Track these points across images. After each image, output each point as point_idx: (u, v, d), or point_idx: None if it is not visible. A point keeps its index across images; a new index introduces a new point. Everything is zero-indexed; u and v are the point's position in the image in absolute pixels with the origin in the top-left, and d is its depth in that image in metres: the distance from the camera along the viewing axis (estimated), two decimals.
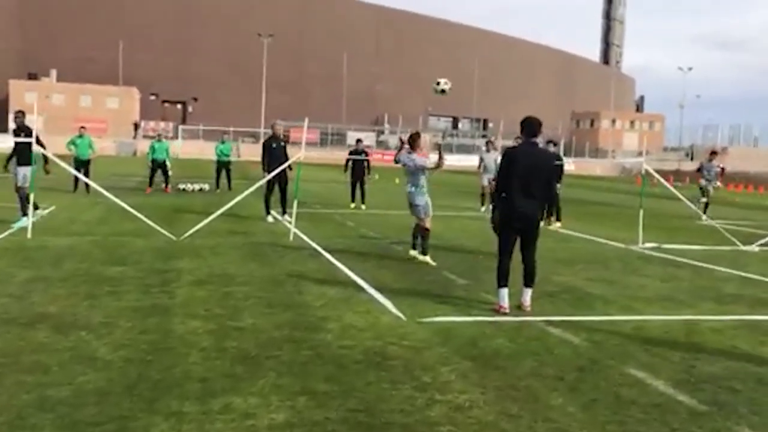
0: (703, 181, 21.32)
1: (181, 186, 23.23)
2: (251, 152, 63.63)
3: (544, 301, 7.99)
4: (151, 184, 22.86)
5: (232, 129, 72.21)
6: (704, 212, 20.38)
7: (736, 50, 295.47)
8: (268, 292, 7.87)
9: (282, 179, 15.11)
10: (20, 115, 14.20)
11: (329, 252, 10.93)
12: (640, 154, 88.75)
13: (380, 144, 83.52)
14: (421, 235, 10.53)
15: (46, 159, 13.00)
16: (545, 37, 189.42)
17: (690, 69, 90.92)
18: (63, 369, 5.00)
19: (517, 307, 7.41)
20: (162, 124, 72.12)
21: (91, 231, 12.50)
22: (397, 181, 34.30)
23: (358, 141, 21.24)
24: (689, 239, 14.96)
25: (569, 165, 75.86)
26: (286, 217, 14.85)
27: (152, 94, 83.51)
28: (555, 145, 16.91)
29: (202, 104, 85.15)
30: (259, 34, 75.32)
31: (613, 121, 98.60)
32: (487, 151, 19.77)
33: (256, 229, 13.70)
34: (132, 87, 74.67)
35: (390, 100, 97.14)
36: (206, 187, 23.46)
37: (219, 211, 12.69)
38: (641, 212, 13.99)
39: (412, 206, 10.50)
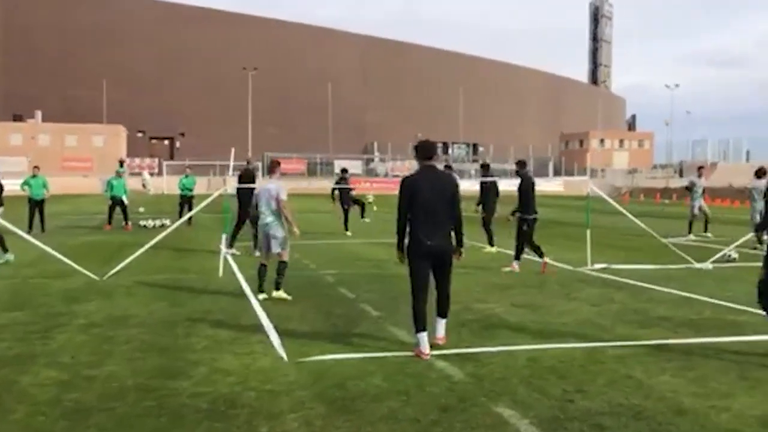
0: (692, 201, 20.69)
1: (142, 222, 22.82)
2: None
3: (450, 332, 7.55)
4: (110, 221, 22.62)
5: (218, 163, 72.15)
6: (690, 230, 20.12)
7: (726, 66, 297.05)
8: (155, 335, 7.44)
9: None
10: None
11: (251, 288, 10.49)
12: (630, 172, 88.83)
13: (369, 172, 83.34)
14: (277, 269, 9.52)
15: None
16: (533, 59, 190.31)
17: (677, 86, 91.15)
18: None
19: (457, 358, 6.57)
20: (148, 161, 72.07)
21: (16, 273, 12.07)
22: (375, 208, 34.01)
23: (344, 171, 21.60)
24: (646, 259, 14.50)
25: (558, 186, 76.14)
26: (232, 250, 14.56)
27: (139, 131, 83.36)
28: (451, 168, 16.75)
29: (190, 139, 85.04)
30: (243, 67, 75.44)
31: (602, 141, 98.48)
32: (483, 175, 19.26)
33: (192, 265, 13.26)
34: (118, 125, 74.55)
35: (379, 128, 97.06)
36: (167, 222, 23.03)
37: (141, 249, 12.24)
38: (588, 233, 13.60)
39: (271, 238, 9.53)
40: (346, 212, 20.51)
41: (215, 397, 5.35)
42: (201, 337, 7.33)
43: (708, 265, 13.47)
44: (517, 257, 12.83)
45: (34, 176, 21.06)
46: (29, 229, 20.26)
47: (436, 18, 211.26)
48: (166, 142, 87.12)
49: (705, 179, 21.91)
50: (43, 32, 79.37)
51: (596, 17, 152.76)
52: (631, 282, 11.42)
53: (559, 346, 7.06)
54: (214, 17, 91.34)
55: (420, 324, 6.63)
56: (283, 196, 9.49)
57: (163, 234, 13.11)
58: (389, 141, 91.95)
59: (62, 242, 17.40)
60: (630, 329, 7.90)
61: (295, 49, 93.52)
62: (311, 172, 78.29)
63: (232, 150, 15.67)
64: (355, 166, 76.74)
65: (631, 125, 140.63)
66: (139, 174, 62.83)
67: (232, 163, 16.51)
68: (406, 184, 6.82)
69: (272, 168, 10.15)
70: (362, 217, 21.21)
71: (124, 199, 23.02)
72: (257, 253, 13.63)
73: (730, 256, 14.50)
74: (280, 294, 9.47)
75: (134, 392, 5.47)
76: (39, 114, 74.18)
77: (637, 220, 14.68)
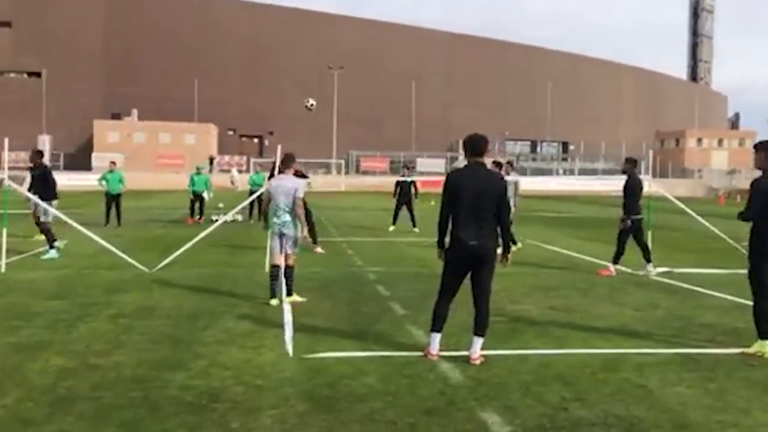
0: None
1: (214, 217, 23.33)
2: (324, 183, 64.68)
3: (469, 335, 7.32)
4: (192, 215, 23.43)
5: (304, 160, 73.43)
6: None
7: None
8: (175, 327, 7.52)
9: None
10: (36, 155, 14.92)
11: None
12: (729, 173, 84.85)
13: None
14: (285, 273, 9.00)
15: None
16: (629, 56, 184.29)
17: None
18: None
19: (465, 361, 6.26)
20: (236, 158, 74.05)
21: (74, 264, 12.50)
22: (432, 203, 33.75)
23: (405, 167, 21.53)
24: (717, 263, 13.75)
25: (649, 186, 73.36)
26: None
27: (230, 130, 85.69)
28: (501, 166, 15.85)
29: (277, 137, 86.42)
30: (329, 66, 76.33)
31: (699, 140, 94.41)
32: (507, 173, 18.68)
33: (243, 260, 13.39)
34: (209, 123, 76.85)
35: (464, 126, 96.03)
36: (239, 218, 23.48)
37: (189, 243, 12.47)
38: (649, 234, 12.98)
39: (286, 237, 8.97)
40: (397, 208, 20.24)
41: (203, 391, 5.34)
42: (218, 330, 7.37)
43: None
44: (616, 260, 12.18)
45: (110, 171, 21.86)
46: (106, 222, 21.08)
47: (528, 15, 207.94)
48: (256, 140, 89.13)
49: None
50: (141, 36, 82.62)
51: (696, 11, 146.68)
52: (689, 287, 10.83)
53: (578, 351, 6.73)
54: (303, 17, 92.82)
55: (436, 324, 6.43)
56: (300, 194, 9.00)
57: (211, 228, 13.34)
58: None
59: (133, 235, 18.07)
60: (665, 336, 7.46)
61: (381, 48, 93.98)
62: (394, 170, 78.57)
63: (279, 147, 15.67)
64: (437, 165, 76.69)
65: (735, 124, 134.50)
66: (228, 171, 64.55)
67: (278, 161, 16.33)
68: (449, 179, 6.47)
69: (286, 163, 9.51)
70: (414, 226, 20.31)
71: (205, 194, 23.78)
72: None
73: None
74: (294, 298, 9.02)
75: (128, 382, 5.53)
76: (135, 113, 77.26)
77: (706, 222, 13.96)
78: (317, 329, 7.51)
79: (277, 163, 13.95)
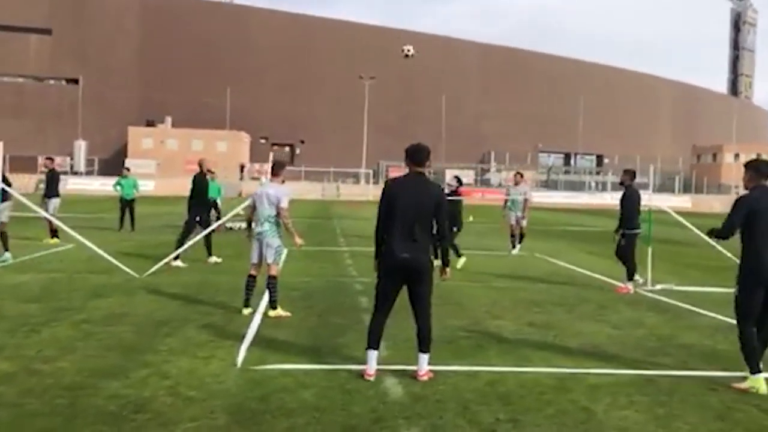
0: None
1: (229, 225, 23.36)
2: (351, 192, 64.79)
3: (436, 348, 7.16)
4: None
5: (333, 169, 73.74)
6: None
7: None
8: (137, 334, 7.47)
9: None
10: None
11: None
12: None
13: (484, 182, 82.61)
14: (267, 284, 8.76)
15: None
16: (668, 69, 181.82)
17: None
18: None
19: (412, 377, 6.06)
20: (266, 166, 74.43)
21: (68, 268, 12.59)
22: (471, 218, 33.47)
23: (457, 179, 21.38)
24: (722, 281, 13.31)
25: (685, 202, 72.07)
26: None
27: (262, 138, 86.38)
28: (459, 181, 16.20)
29: (309, 146, 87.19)
30: (360, 76, 76.53)
31: (737, 155, 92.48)
32: (515, 184, 18.42)
33: (242, 267, 13.31)
34: (240, 131, 77.57)
35: (497, 138, 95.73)
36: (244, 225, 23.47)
37: (180, 250, 12.49)
38: (650, 250, 12.64)
39: (266, 246, 8.72)
40: None
41: (130, 401, 5.25)
42: (178, 339, 7.30)
43: None
44: (630, 277, 11.94)
45: (125, 177, 22.08)
46: (120, 227, 21.29)
47: (564, 27, 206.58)
48: (287, 148, 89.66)
49: None
50: (175, 44, 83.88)
51: (737, 24, 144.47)
52: (683, 305, 10.50)
53: (533, 369, 6.52)
54: (336, 27, 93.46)
55: (371, 341, 6.12)
56: (284, 204, 8.79)
57: (200, 236, 13.34)
58: (507, 151, 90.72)
59: (140, 240, 18.20)
60: (635, 357, 7.20)
61: (414, 58, 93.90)
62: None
63: (270, 154, 15.65)
64: (466, 175, 76.26)
65: None
66: (258, 179, 64.98)
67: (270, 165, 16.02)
68: (386, 188, 6.25)
69: (275, 170, 9.38)
70: None
71: (218, 201, 23.82)
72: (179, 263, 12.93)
73: None
74: (279, 312, 8.69)
75: (59, 390, 5.47)
76: (169, 120, 78.35)
77: (705, 237, 13.50)
78: (276, 341, 7.40)
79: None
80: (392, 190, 6.17)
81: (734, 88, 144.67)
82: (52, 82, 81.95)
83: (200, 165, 14.89)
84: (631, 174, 12.26)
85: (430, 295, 6.21)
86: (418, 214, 6.03)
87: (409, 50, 11.85)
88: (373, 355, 6.10)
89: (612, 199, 67.93)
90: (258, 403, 5.31)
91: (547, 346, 7.58)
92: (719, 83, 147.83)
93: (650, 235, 12.91)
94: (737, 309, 6.23)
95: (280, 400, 5.37)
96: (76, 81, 79.76)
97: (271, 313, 8.72)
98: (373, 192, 63.57)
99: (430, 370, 6.15)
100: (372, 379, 5.97)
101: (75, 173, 69.58)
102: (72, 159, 72.31)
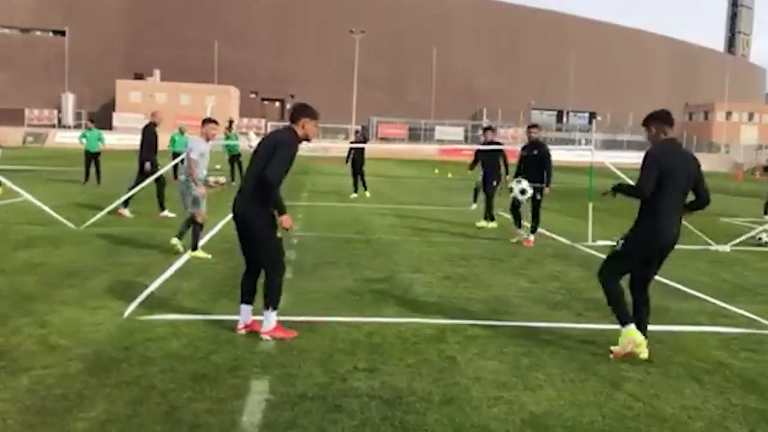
0: None
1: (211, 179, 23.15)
2: (342, 148, 64.22)
3: (334, 300, 7.22)
4: (175, 176, 23.36)
5: (323, 126, 73.21)
6: (765, 211, 18.69)
7: None
8: (42, 285, 7.48)
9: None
10: None
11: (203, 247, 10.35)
12: (757, 148, 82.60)
13: (475, 139, 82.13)
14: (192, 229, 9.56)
15: None
16: (665, 26, 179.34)
17: None
18: None
19: (310, 329, 6.18)
20: (255, 121, 74.17)
21: (10, 219, 12.58)
22: (449, 175, 33.45)
23: (357, 131, 21.08)
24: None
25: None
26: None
27: (252, 92, 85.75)
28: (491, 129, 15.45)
29: (298, 101, 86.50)
30: (351, 30, 75.60)
31: (728, 114, 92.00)
32: (487, 139, 18.24)
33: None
34: (229, 86, 76.90)
35: (489, 94, 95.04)
36: (222, 180, 23.35)
37: (117, 202, 12.47)
38: (590, 206, 12.66)
39: (186, 196, 9.70)
40: (353, 175, 20.33)
41: None
42: (79, 289, 7.31)
43: (726, 247, 12.30)
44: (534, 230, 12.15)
45: (89, 129, 21.89)
46: (85, 179, 21.22)
47: None
48: (277, 103, 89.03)
49: None
50: None
51: None
52: None
53: (418, 321, 6.55)
54: None
55: (242, 296, 5.98)
56: (193, 155, 9.44)
57: (140, 187, 13.25)
58: (500, 107, 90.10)
59: (101, 193, 18.09)
60: (533, 310, 7.24)
61: (405, 12, 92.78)
62: (415, 137, 78.04)
63: (209, 107, 15.48)
64: (456, 133, 75.96)
65: None
66: (246, 133, 64.66)
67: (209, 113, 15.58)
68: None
69: (203, 125, 9.85)
70: (365, 190, 20.21)
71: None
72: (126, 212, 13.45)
73: (761, 239, 13.17)
74: (197, 254, 9.36)
75: None
76: (158, 73, 77.55)
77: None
78: (180, 291, 7.42)
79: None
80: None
81: (731, 45, 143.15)
82: (38, 33, 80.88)
83: (152, 115, 15.23)
84: (537, 127, 12.33)
85: (266, 249, 5.87)
86: (256, 162, 5.77)
87: None
88: (244, 309, 6.02)
89: (604, 157, 67.72)
90: (121, 352, 5.33)
91: (449, 298, 7.62)
92: (717, 41, 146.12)
93: (591, 192, 12.90)
94: (612, 262, 5.88)
95: (144, 349, 5.40)
96: (63, 33, 78.76)
97: (191, 253, 9.36)
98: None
99: (314, 321, 6.19)
100: (242, 332, 5.95)
101: (63, 126, 69.21)
102: (60, 112, 71.81)
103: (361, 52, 74.99)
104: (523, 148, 12.23)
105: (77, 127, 70.23)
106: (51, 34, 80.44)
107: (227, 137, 23.77)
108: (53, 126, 68.82)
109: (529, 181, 11.78)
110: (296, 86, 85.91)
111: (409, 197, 21.31)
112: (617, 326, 6.19)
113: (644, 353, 5.65)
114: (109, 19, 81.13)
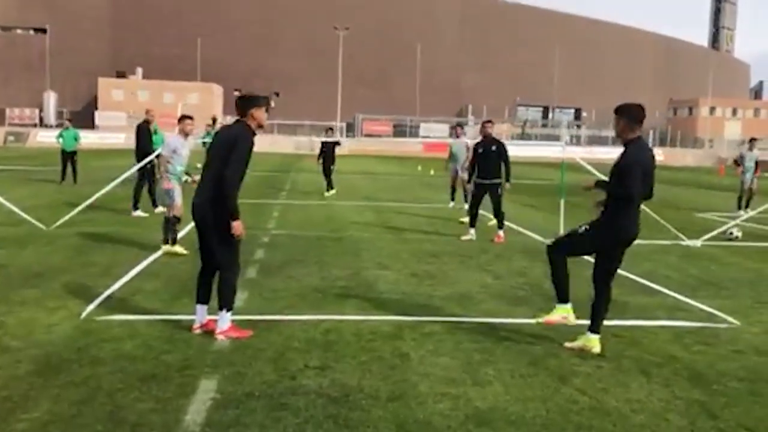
0: (741, 173, 19.43)
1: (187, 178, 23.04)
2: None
3: (296, 298, 7.23)
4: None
5: (308, 123, 73.11)
6: (739, 206, 18.87)
7: None
8: (4, 286, 7.44)
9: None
10: None
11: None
12: (740, 143, 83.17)
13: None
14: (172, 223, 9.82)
15: None
16: (649, 22, 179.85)
17: None
18: None
19: (268, 328, 6.46)
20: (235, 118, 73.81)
21: None
22: (432, 172, 33.45)
23: (328, 130, 20.88)
24: (644, 234, 13.45)
25: (657, 156, 72.10)
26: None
27: (236, 90, 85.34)
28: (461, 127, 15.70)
29: (283, 99, 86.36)
30: (335, 27, 75.51)
31: (712, 109, 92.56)
32: (456, 137, 18.40)
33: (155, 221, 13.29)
34: (212, 83, 76.66)
35: (475, 91, 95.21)
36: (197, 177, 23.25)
37: (86, 203, 12.42)
38: (562, 203, 12.74)
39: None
40: (324, 173, 20.15)
41: None
42: (40, 290, 7.29)
43: (697, 242, 12.39)
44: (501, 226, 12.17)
45: (66, 129, 21.77)
46: (62, 179, 21.09)
47: None
48: None
49: (758, 151, 20.14)
50: None
51: None
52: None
53: (377, 318, 6.57)
54: None
55: (198, 296, 6.03)
56: (164, 152, 9.88)
57: (100, 192, 13.15)
58: (485, 104, 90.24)
59: (76, 193, 17.97)
60: (492, 305, 7.29)
61: (391, 8, 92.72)
62: (400, 134, 77.98)
63: (179, 105, 15.43)
64: (441, 130, 75.95)
65: (758, 93, 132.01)
66: None
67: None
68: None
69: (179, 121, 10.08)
70: (331, 188, 20.11)
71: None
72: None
73: (731, 233, 13.29)
74: (174, 249, 9.62)
75: None
76: (140, 71, 77.26)
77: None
78: (142, 291, 7.41)
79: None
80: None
81: (715, 41, 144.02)
82: (19, 31, 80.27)
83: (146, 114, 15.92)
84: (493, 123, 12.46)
85: (222, 248, 5.90)
86: (214, 158, 5.83)
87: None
88: (199, 309, 6.04)
89: (585, 153, 67.76)
90: (72, 353, 5.32)
91: (412, 295, 7.64)
92: (701, 36, 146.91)
93: (563, 187, 12.98)
94: (567, 239, 6.02)
95: (97, 350, 5.39)
96: (44, 31, 78.22)
97: (164, 247, 9.65)
98: (347, 146, 63.13)
99: (274, 320, 6.20)
100: (198, 332, 5.95)
101: (45, 126, 68.74)
102: (41, 111, 71.35)
103: (345, 49, 74.90)
104: (479, 144, 12.23)
105: (59, 126, 69.91)
106: (32, 32, 79.84)
107: (208, 134, 23.77)
108: (35, 125, 68.34)
109: (488, 177, 11.86)
110: (280, 83, 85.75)
111: (388, 194, 21.34)
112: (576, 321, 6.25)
113: (596, 348, 5.72)
114: (91, 17, 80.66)
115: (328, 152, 20.07)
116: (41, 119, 70.23)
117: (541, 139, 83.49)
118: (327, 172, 20.11)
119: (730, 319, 7.03)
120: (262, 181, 24.41)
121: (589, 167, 13.32)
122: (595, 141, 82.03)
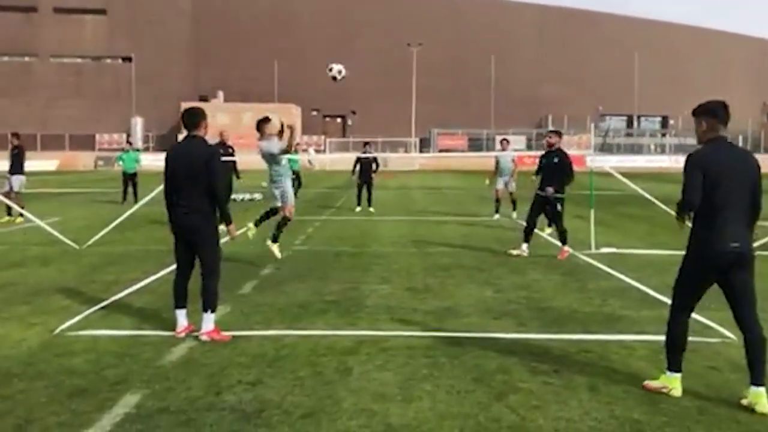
0: None
1: (239, 196, 23.47)
2: (401, 162, 64.16)
3: (272, 315, 7.21)
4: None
5: (380, 139, 73.50)
6: None
7: None
8: (2, 302, 7.73)
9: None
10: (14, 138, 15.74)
11: None
12: None
13: (539, 147, 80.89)
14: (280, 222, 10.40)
15: None
16: (738, 23, 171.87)
17: None
18: None
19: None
20: (315, 138, 75.20)
21: (20, 240, 13.05)
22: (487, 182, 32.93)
23: (366, 144, 20.53)
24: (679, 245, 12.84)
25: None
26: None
27: (314, 110, 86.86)
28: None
29: (359, 117, 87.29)
30: (408, 44, 75.89)
31: None
32: (503, 150, 18.22)
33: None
34: (290, 104, 78.14)
35: (555, 101, 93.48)
36: (257, 196, 23.69)
37: (116, 221, 12.79)
38: (592, 213, 12.30)
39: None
40: (359, 187, 19.55)
41: None
42: (33, 306, 7.53)
43: None
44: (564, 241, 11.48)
45: (126, 151, 22.63)
46: (123, 200, 21.86)
47: None
48: (339, 120, 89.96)
49: None
50: (226, 19, 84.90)
51: None
52: (606, 269, 10.13)
53: (338, 333, 6.46)
54: None
55: (176, 302, 6.41)
56: (264, 160, 10.36)
57: (135, 208, 13.54)
58: (566, 114, 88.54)
59: (132, 213, 18.59)
60: (473, 320, 7.06)
61: (465, 22, 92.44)
62: (476, 147, 77.35)
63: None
64: (518, 141, 74.91)
65: None
66: (306, 150, 65.58)
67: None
68: (167, 156, 6.42)
69: (260, 127, 10.31)
70: (369, 206, 19.57)
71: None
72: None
73: None
74: (272, 246, 10.51)
75: None
76: (221, 94, 79.63)
77: (651, 198, 13.14)
78: (128, 307, 7.54)
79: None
80: (169, 156, 6.37)
81: None
82: (108, 61, 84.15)
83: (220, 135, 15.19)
84: (559, 135, 11.79)
85: (210, 256, 6.32)
86: (194, 176, 6.19)
87: (339, 71, 12.01)
88: (178, 314, 6.37)
89: (672, 163, 65.23)
90: (22, 367, 5.45)
91: (395, 309, 7.48)
92: None
93: (592, 197, 12.53)
94: (674, 290, 5.08)
95: (45, 365, 5.50)
96: (130, 59, 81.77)
97: (268, 243, 10.54)
98: (419, 161, 63.16)
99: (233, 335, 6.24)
100: (182, 336, 6.23)
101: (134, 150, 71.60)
102: (129, 135, 74.50)
103: (419, 64, 75.16)
104: (544, 156, 11.74)
105: (146, 149, 72.88)
106: (120, 61, 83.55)
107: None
108: (122, 150, 71.27)
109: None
110: (356, 102, 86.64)
111: (439, 208, 21.12)
112: (549, 335, 6.02)
113: (677, 390, 4.97)
114: (174, 45, 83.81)
115: (365, 167, 19.62)
116: (129, 144, 73.12)
117: (624, 149, 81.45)
118: (362, 189, 19.58)
119: (727, 333, 6.56)
120: (317, 197, 24.66)
121: (618, 176, 12.85)
122: (682, 149, 79.10)
